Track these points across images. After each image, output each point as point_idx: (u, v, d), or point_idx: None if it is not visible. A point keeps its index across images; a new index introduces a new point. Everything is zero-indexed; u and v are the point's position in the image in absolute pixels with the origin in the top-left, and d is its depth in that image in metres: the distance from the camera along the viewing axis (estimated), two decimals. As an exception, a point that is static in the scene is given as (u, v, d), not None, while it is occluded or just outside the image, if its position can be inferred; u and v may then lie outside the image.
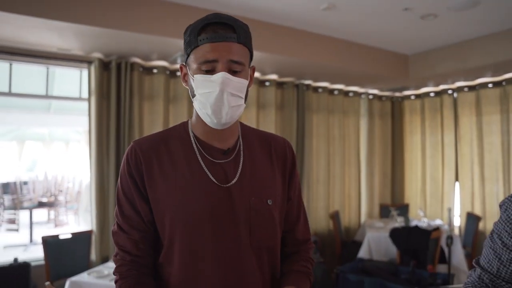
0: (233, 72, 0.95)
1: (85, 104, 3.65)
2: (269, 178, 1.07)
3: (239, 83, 0.96)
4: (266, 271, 1.05)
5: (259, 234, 1.02)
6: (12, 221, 7.08)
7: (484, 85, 4.69)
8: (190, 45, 0.96)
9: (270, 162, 1.09)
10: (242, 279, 1.00)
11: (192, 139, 1.04)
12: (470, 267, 4.23)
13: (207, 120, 0.98)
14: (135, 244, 0.99)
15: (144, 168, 1.00)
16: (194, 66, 0.96)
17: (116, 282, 1.00)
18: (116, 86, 3.62)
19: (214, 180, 1.00)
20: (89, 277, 2.64)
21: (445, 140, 5.15)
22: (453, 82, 4.96)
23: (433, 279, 3.21)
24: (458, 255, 3.92)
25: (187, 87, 1.04)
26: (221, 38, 0.93)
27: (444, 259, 3.72)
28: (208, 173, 1.01)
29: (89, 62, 3.59)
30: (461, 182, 4.97)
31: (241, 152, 1.06)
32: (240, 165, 1.04)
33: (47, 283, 2.17)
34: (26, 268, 3.31)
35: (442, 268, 3.72)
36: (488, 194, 4.70)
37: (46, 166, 12.74)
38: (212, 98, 0.94)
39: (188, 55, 0.98)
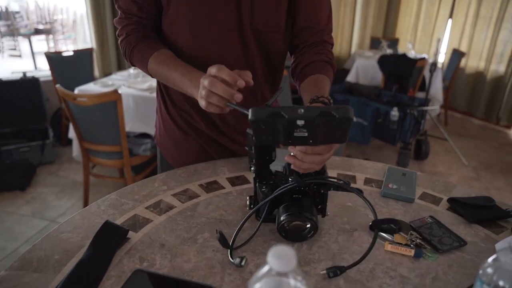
0: None
1: None
2: None
3: None
4: (263, 55, 1.00)
5: (260, 17, 0.94)
6: (13, 48, 7.04)
7: None
8: None
9: None
10: (241, 55, 0.96)
11: None
12: (445, 98, 4.38)
13: None
14: (139, 7, 0.93)
15: None
16: None
17: (121, 42, 0.96)
18: None
19: None
20: (95, 86, 2.66)
21: (448, -26, 4.71)
22: None
23: (412, 101, 3.33)
24: (437, 85, 4.00)
25: None
26: None
27: (424, 88, 3.79)
28: None
29: None
30: (455, 18, 4.74)
31: None
32: None
33: (58, 85, 2.18)
34: (36, 82, 3.33)
35: (420, 95, 3.82)
36: (478, 32, 4.56)
37: (36, -4, 11.80)
38: None
39: None
